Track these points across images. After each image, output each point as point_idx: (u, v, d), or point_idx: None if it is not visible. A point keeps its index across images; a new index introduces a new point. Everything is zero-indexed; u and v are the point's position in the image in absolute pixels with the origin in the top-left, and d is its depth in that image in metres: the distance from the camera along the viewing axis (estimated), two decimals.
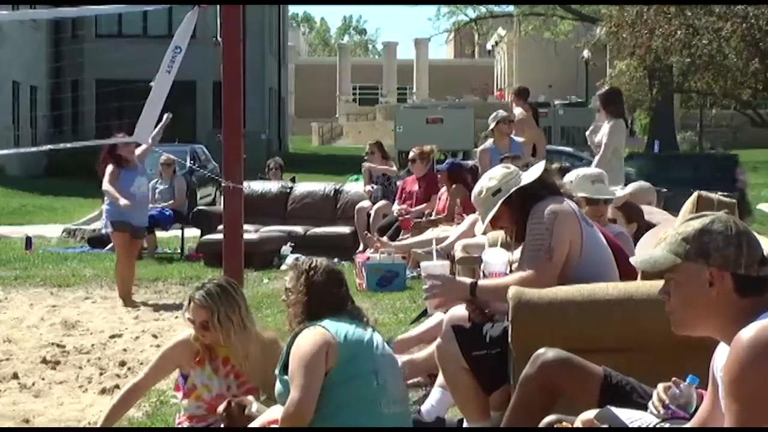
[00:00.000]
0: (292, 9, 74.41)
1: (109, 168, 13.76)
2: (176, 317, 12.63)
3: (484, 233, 8.00)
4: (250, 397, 6.42)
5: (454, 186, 14.55)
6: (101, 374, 9.75)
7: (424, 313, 8.93)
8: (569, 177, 8.54)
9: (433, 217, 14.82)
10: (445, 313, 7.00)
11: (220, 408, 6.46)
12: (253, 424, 6.00)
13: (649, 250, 4.10)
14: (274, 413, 5.91)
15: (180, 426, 6.66)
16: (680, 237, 3.83)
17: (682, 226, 3.90)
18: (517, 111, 15.96)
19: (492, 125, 15.25)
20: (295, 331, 5.96)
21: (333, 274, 6.12)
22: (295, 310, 6.02)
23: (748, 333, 3.62)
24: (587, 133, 14.63)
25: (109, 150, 13.86)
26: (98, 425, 6.78)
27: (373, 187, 17.88)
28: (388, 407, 5.90)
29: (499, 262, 7.66)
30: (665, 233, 4.09)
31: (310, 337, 5.83)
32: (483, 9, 58.32)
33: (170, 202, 19.71)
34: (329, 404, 5.79)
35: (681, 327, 3.89)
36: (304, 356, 5.78)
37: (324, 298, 6.00)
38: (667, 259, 3.83)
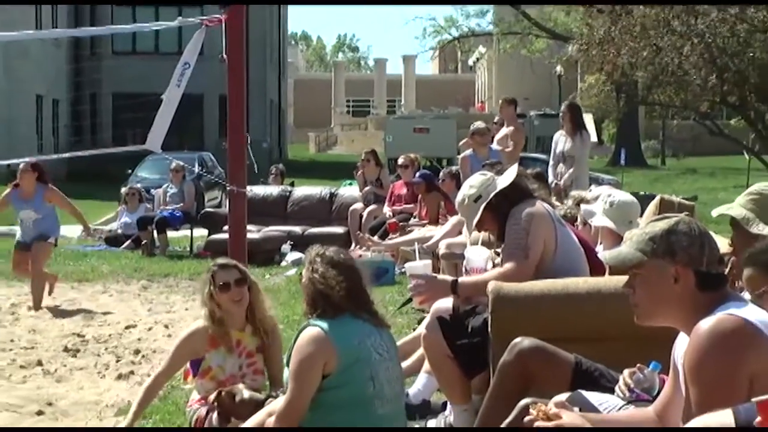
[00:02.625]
0: (291, 28, 74.21)
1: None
2: (186, 309, 12.65)
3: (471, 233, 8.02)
4: (240, 386, 6.39)
5: (430, 193, 14.80)
6: (117, 361, 9.75)
7: (409, 301, 8.98)
8: (605, 192, 8.43)
9: (419, 221, 14.90)
10: (429, 308, 7.01)
11: (211, 397, 6.49)
12: (257, 416, 5.97)
13: (616, 248, 4.11)
14: (275, 406, 5.90)
15: (190, 408, 6.63)
16: (647, 236, 3.85)
17: (649, 226, 3.92)
18: (510, 128, 15.86)
19: (472, 136, 15.35)
20: (303, 325, 5.80)
21: (361, 276, 5.99)
22: (313, 298, 5.74)
23: (706, 324, 3.64)
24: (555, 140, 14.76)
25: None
26: (129, 417, 6.70)
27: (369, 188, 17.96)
28: (383, 407, 5.77)
29: (480, 259, 7.70)
30: (631, 233, 4.12)
31: (311, 342, 5.60)
32: (465, 28, 58.33)
33: (180, 205, 19.69)
34: (324, 404, 5.68)
35: (644, 318, 3.90)
36: (301, 360, 5.60)
37: (349, 295, 5.74)
38: (635, 256, 3.85)
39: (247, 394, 6.33)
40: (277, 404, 5.87)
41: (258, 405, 6.16)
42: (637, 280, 3.86)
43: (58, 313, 12.69)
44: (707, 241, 3.84)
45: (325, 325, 5.64)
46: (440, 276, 7.56)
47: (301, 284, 5.84)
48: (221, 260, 6.85)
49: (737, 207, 5.26)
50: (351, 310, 5.71)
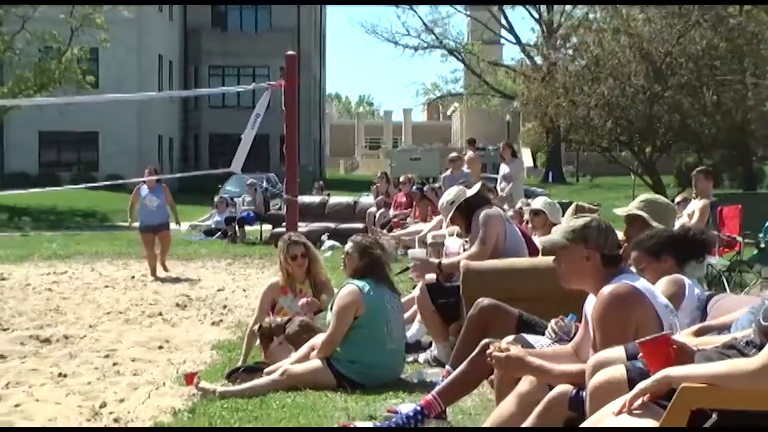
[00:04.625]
0: (328, 90, 74.04)
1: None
2: (257, 278, 12.68)
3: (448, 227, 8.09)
4: (279, 319, 6.39)
5: (422, 201, 14.90)
6: (211, 313, 9.77)
7: (406, 269, 9.00)
8: (544, 199, 8.65)
9: (413, 220, 14.95)
10: (421, 279, 7.05)
11: (255, 328, 6.51)
12: (302, 349, 5.91)
13: (548, 236, 4.13)
14: (317, 340, 5.92)
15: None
16: (570, 228, 3.85)
17: (572, 222, 3.94)
18: (470, 153, 16.03)
19: (450, 163, 15.61)
20: (344, 282, 5.96)
21: (382, 252, 6.07)
22: (353, 266, 5.95)
23: (607, 289, 3.64)
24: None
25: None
26: (242, 355, 6.67)
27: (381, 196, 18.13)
28: (391, 344, 5.91)
29: (455, 246, 7.78)
30: (557, 227, 4.13)
31: (348, 294, 5.80)
32: (445, 90, 58.20)
33: (253, 208, 19.86)
34: (353, 338, 5.78)
35: (566, 284, 3.90)
36: (340, 306, 5.79)
37: (371, 265, 5.94)
38: (560, 241, 3.85)
39: (279, 319, 6.37)
40: (317, 340, 5.90)
41: (303, 326, 6.19)
42: (562, 258, 3.85)
43: (172, 280, 12.82)
44: (610, 233, 3.84)
45: (359, 283, 5.82)
46: (430, 258, 7.61)
47: (349, 256, 5.96)
48: (294, 237, 6.88)
49: (635, 209, 5.26)
50: (375, 277, 5.89)
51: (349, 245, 6.06)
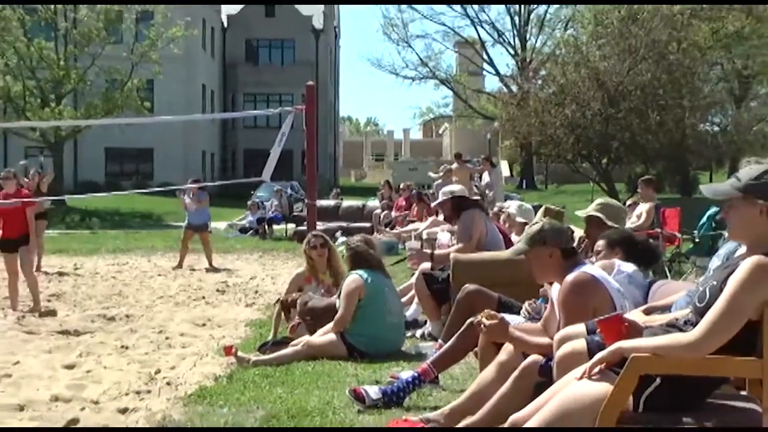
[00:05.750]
0: (341, 113, 73.99)
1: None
2: (283, 268, 12.67)
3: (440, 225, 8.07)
4: (294, 295, 6.40)
5: (419, 203, 14.89)
6: (245, 297, 9.77)
7: (404, 259, 9.00)
8: (515, 203, 8.51)
9: (411, 220, 14.96)
10: (417, 268, 7.04)
11: (280, 300, 6.58)
12: (321, 330, 5.87)
13: (515, 246, 4.06)
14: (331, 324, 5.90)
15: (291, 326, 6.38)
16: (529, 236, 3.83)
17: (529, 230, 3.90)
18: (456, 164, 16.06)
19: (441, 172, 15.61)
20: (347, 274, 6.00)
21: (368, 246, 6.08)
22: (351, 262, 6.01)
23: (570, 278, 3.62)
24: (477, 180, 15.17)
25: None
26: (271, 332, 6.58)
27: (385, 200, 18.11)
28: (392, 318, 5.93)
29: (446, 240, 7.75)
30: (525, 231, 4.10)
31: (352, 282, 5.84)
32: (438, 113, 58.11)
33: (279, 210, 19.83)
34: (360, 316, 5.80)
35: (539, 281, 3.91)
36: (346, 293, 5.81)
37: (362, 258, 5.96)
38: (524, 248, 3.83)
39: (295, 295, 6.37)
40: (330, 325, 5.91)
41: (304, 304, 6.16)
42: (530, 261, 3.83)
43: (213, 270, 12.76)
44: (562, 231, 3.82)
45: (360, 273, 5.87)
46: (424, 250, 7.60)
47: (347, 255, 5.99)
48: (315, 233, 6.83)
49: (593, 211, 5.23)
50: (371, 266, 5.92)
51: (346, 247, 6.13)
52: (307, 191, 9.34)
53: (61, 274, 12.10)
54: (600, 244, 4.45)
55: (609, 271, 3.96)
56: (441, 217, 10.14)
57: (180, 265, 12.83)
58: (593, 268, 3.80)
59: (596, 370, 2.76)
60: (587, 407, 2.68)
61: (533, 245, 3.77)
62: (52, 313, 8.41)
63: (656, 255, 4.69)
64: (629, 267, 4.14)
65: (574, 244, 3.86)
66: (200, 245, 13.30)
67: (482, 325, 3.83)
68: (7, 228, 8.70)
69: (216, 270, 12.74)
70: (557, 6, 45.22)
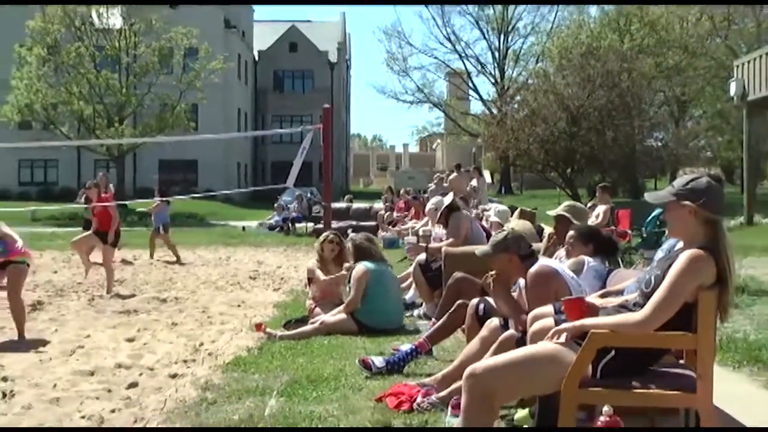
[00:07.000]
0: (352, 130, 73.78)
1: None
2: (304, 259, 12.57)
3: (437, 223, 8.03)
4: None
5: (416, 204, 14.76)
6: (273, 283, 9.71)
7: (405, 259, 8.95)
8: (495, 207, 8.31)
9: (409, 219, 14.91)
10: (414, 259, 7.03)
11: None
12: (334, 311, 5.86)
13: (482, 248, 3.88)
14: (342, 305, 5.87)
15: (309, 307, 6.35)
16: (494, 243, 3.74)
17: (494, 237, 3.79)
18: (454, 174, 15.88)
19: (435, 181, 15.50)
20: (354, 265, 5.94)
21: (370, 242, 6.08)
22: (355, 255, 5.96)
23: (533, 270, 3.57)
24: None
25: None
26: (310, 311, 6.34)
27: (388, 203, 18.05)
28: (393, 301, 5.91)
29: (439, 236, 7.69)
30: (492, 237, 3.95)
31: (360, 271, 5.80)
32: (432, 130, 57.97)
33: (300, 211, 19.81)
34: (367, 299, 5.76)
35: (504, 282, 3.83)
36: (355, 280, 5.78)
37: (367, 252, 5.94)
38: (488, 252, 3.74)
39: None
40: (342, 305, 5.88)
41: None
42: (494, 265, 3.74)
43: (246, 261, 12.71)
44: (521, 239, 3.71)
45: (366, 264, 5.84)
46: (420, 244, 7.58)
47: (351, 249, 6.00)
48: (334, 232, 6.70)
49: (561, 211, 5.18)
50: (373, 258, 5.92)
51: (349, 244, 6.06)
52: (324, 195, 9.35)
53: (124, 262, 12.11)
54: (571, 234, 4.40)
55: (580, 267, 3.93)
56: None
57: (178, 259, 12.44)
58: (550, 260, 3.77)
59: (562, 336, 2.74)
60: (555, 362, 2.64)
61: (496, 252, 3.70)
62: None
63: (617, 247, 4.67)
64: (594, 263, 4.13)
65: (537, 245, 3.80)
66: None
67: (491, 281, 3.72)
68: (100, 224, 9.45)
69: (248, 260, 12.69)
70: (530, 44, 45.30)
